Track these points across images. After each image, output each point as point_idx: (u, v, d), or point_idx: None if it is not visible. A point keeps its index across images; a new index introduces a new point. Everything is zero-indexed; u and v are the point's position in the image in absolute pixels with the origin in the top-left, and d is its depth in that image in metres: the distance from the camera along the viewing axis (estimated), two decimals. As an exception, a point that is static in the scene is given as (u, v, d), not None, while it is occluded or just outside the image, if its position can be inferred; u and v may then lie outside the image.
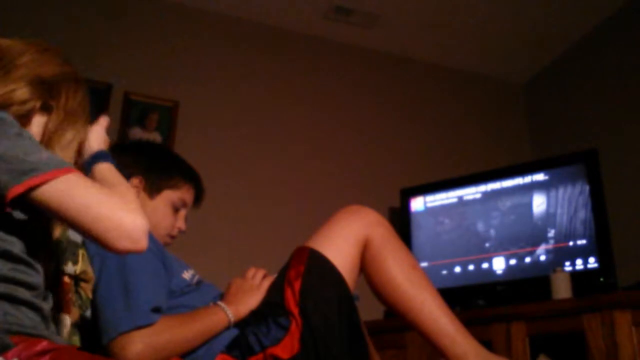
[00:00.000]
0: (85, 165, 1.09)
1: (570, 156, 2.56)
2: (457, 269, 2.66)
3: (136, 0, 3.01)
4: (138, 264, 1.30)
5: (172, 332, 1.24)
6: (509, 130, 3.55)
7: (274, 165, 2.99)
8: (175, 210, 1.54)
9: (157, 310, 1.25)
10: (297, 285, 1.34)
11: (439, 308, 1.38)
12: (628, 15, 2.97)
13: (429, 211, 2.84)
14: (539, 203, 2.56)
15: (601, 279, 2.27)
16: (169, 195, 1.53)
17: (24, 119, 1.03)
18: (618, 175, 2.74)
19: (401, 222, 2.84)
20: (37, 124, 1.06)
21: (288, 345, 1.27)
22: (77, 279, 1.29)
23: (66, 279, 1.26)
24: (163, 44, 2.97)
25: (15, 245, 0.95)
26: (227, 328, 1.33)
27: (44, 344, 0.90)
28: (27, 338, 0.91)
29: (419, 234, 2.81)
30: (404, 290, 1.39)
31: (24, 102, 1.02)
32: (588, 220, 2.39)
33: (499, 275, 2.56)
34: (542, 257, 2.48)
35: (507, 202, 2.64)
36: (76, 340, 1.26)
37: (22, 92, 1.02)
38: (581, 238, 2.40)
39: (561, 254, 2.43)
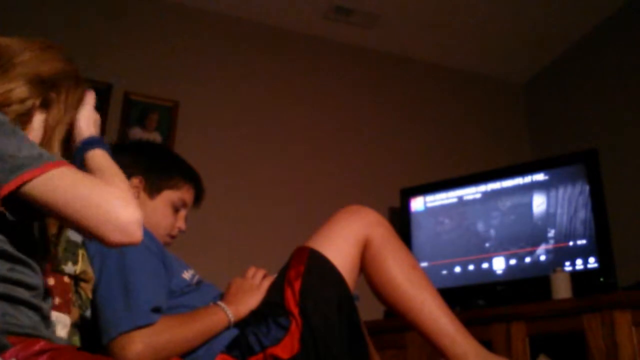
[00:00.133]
0: (76, 152, 1.06)
1: (570, 156, 2.56)
2: (457, 269, 2.66)
3: (136, 0, 3.01)
4: (138, 264, 1.30)
5: (172, 332, 1.24)
6: (509, 130, 3.55)
7: (274, 165, 2.99)
8: (176, 210, 1.54)
9: (157, 310, 1.25)
10: (297, 285, 1.34)
11: (439, 308, 1.38)
12: (628, 15, 2.97)
13: (429, 211, 2.83)
14: (539, 203, 2.56)
15: (601, 279, 2.27)
16: (169, 195, 1.53)
17: (25, 117, 1.03)
18: (618, 175, 2.74)
19: (401, 222, 2.84)
20: (38, 121, 1.05)
21: (288, 345, 1.27)
22: (77, 278, 1.29)
23: (66, 279, 1.26)
24: (163, 44, 2.97)
25: (13, 245, 0.95)
26: (227, 328, 1.33)
27: (42, 344, 0.90)
28: (25, 338, 0.90)
29: (419, 234, 2.81)
30: (404, 290, 1.39)
31: (23, 101, 1.02)
32: (588, 220, 2.39)
33: (499, 275, 2.56)
34: (542, 257, 2.48)
35: (507, 202, 2.64)
36: (76, 340, 1.26)
37: (20, 90, 1.02)
38: (581, 238, 2.40)
39: (561, 254, 2.43)
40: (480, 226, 2.68)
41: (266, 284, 1.42)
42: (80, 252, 1.30)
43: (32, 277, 0.97)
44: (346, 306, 1.36)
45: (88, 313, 1.31)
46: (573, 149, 2.64)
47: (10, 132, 0.93)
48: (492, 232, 2.64)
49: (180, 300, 1.38)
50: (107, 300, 1.26)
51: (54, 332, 1.04)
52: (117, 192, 0.93)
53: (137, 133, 2.79)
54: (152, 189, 1.51)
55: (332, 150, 3.13)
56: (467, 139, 3.41)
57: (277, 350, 1.27)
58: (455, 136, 3.41)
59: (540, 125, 3.51)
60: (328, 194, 2.92)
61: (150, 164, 1.54)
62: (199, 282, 1.49)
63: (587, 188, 2.43)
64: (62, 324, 1.21)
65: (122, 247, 1.30)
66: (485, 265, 2.60)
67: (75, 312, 1.28)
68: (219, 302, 1.36)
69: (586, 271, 2.34)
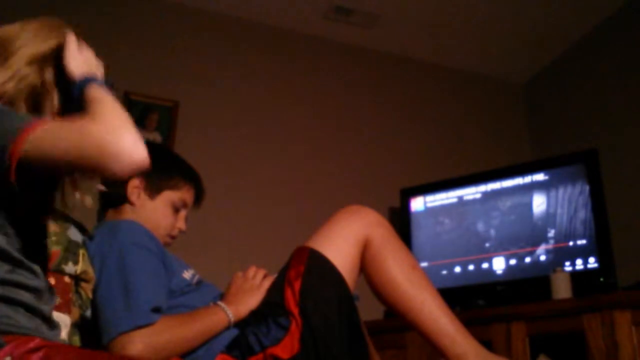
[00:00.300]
0: (74, 97, 1.05)
1: (570, 156, 2.56)
2: (457, 269, 2.66)
3: (136, 0, 3.01)
4: (138, 264, 1.30)
5: (172, 332, 1.24)
6: (509, 130, 3.55)
7: (274, 165, 2.99)
8: (176, 210, 1.54)
9: (157, 310, 1.25)
10: (297, 285, 1.34)
11: (439, 308, 1.38)
12: (628, 15, 2.97)
13: (429, 211, 2.84)
14: (539, 203, 2.56)
15: (601, 279, 2.27)
16: (169, 196, 1.53)
17: (37, 97, 1.03)
18: (618, 175, 2.74)
19: (401, 222, 2.84)
20: (46, 99, 1.05)
21: (288, 345, 1.27)
22: (77, 278, 1.29)
23: (66, 279, 1.26)
24: (163, 44, 2.97)
25: (14, 247, 0.95)
26: (227, 328, 1.33)
27: (37, 341, 0.90)
28: (20, 337, 0.90)
29: (419, 234, 2.81)
30: (404, 290, 1.39)
31: (27, 82, 1.02)
32: (588, 220, 2.40)
33: (499, 275, 2.56)
34: (542, 257, 2.48)
35: (507, 202, 2.64)
36: (76, 340, 1.26)
37: (24, 72, 1.02)
38: (581, 238, 2.40)
39: (561, 254, 2.43)
40: (480, 226, 2.68)
41: (266, 284, 1.42)
42: (81, 251, 1.30)
43: (32, 280, 0.97)
44: (346, 306, 1.36)
45: (88, 313, 1.31)
46: (573, 149, 2.64)
47: (4, 112, 0.94)
48: (492, 232, 2.64)
49: (180, 300, 1.38)
50: (107, 300, 1.26)
51: (57, 334, 1.03)
52: (106, 124, 0.91)
53: (137, 133, 2.78)
54: (153, 189, 1.51)
55: (332, 150, 3.13)
56: (467, 139, 3.42)
57: (277, 350, 1.27)
58: (455, 136, 3.41)
59: (540, 125, 3.51)
60: (328, 194, 2.92)
61: (150, 165, 1.54)
62: (199, 282, 1.49)
63: (587, 188, 2.43)
64: (62, 324, 1.21)
65: (122, 247, 1.31)
66: (485, 265, 2.60)
67: (76, 312, 1.28)
68: (219, 302, 1.37)
69: (586, 271, 2.34)
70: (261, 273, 1.46)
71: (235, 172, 2.90)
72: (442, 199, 2.82)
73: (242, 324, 1.34)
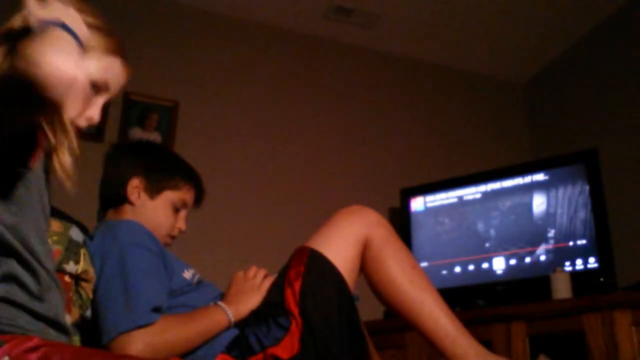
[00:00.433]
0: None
1: (570, 156, 2.56)
2: (457, 269, 2.67)
3: (136, 0, 3.01)
4: (138, 263, 1.30)
5: (172, 331, 1.24)
6: (509, 130, 3.55)
7: (274, 165, 2.99)
8: (176, 210, 1.54)
9: (157, 310, 1.25)
10: (297, 285, 1.34)
11: (440, 308, 1.38)
12: (628, 15, 2.97)
13: (429, 211, 2.84)
14: (539, 203, 2.56)
15: (601, 279, 2.27)
16: (169, 196, 1.53)
17: None
18: (618, 175, 2.74)
19: (401, 222, 2.84)
20: None
21: (288, 345, 1.27)
22: (77, 278, 1.29)
23: (67, 279, 1.26)
24: (163, 44, 2.97)
25: (13, 247, 0.95)
26: (227, 328, 1.33)
27: (35, 341, 0.90)
28: (17, 336, 0.90)
29: (419, 234, 2.81)
30: (404, 291, 1.39)
31: None
32: (588, 220, 2.40)
33: (499, 275, 2.56)
34: (542, 257, 2.48)
35: (507, 202, 2.64)
36: (76, 340, 1.26)
37: None
38: (581, 238, 2.40)
39: (561, 254, 2.43)
40: (480, 226, 2.68)
41: (267, 284, 1.42)
42: (82, 251, 1.30)
43: (32, 279, 0.96)
44: (346, 306, 1.36)
45: (88, 313, 1.31)
46: (573, 149, 2.64)
47: None
48: (492, 232, 2.64)
49: (180, 300, 1.38)
50: (107, 300, 1.26)
51: (58, 336, 1.02)
52: (39, 49, 0.79)
53: (137, 133, 2.79)
54: (153, 189, 1.51)
55: (332, 150, 3.14)
56: (467, 139, 3.42)
57: (277, 350, 1.27)
58: (455, 136, 3.41)
59: (541, 125, 3.51)
60: (328, 194, 2.92)
61: (150, 165, 1.54)
62: (199, 282, 1.49)
63: (587, 188, 2.43)
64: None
65: (122, 247, 1.31)
66: (485, 265, 2.60)
67: (76, 312, 1.28)
68: (219, 302, 1.37)
69: (586, 271, 2.34)
70: (262, 273, 1.46)
71: (235, 172, 2.90)
72: (442, 199, 2.82)
73: (242, 324, 1.34)
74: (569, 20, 3.12)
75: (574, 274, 2.28)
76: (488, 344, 2.01)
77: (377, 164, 3.18)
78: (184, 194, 1.55)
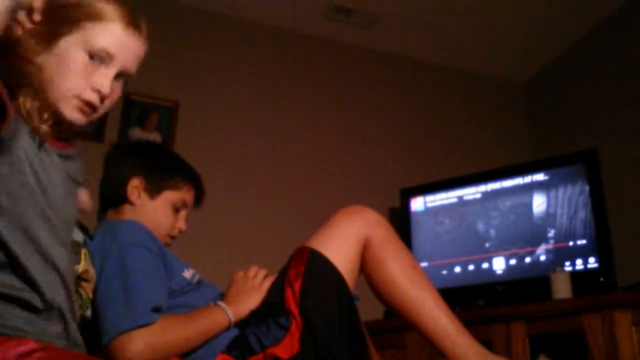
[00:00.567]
0: None
1: (570, 156, 2.56)
2: (457, 269, 2.67)
3: (136, 1, 3.00)
4: (139, 263, 1.30)
5: (172, 331, 1.24)
6: (509, 130, 3.55)
7: (274, 165, 2.99)
8: (176, 210, 1.54)
9: (157, 309, 1.25)
10: (297, 285, 1.34)
11: (440, 308, 1.38)
12: (628, 15, 2.97)
13: (429, 211, 2.84)
14: (539, 203, 2.56)
15: (601, 279, 2.27)
16: (169, 196, 1.52)
17: None
18: (618, 175, 2.74)
19: (401, 222, 2.84)
20: None
21: (288, 345, 1.27)
22: (78, 278, 1.29)
23: (67, 279, 1.26)
24: (163, 43, 2.97)
25: (13, 248, 0.94)
26: (227, 328, 1.33)
27: (30, 345, 0.87)
28: (11, 338, 0.87)
29: (419, 234, 2.81)
30: (404, 291, 1.39)
31: None
32: (588, 220, 2.40)
33: (499, 275, 2.56)
34: (542, 257, 2.48)
35: (507, 202, 2.64)
36: (76, 340, 1.26)
37: None
38: (581, 238, 2.40)
39: (561, 254, 2.43)
40: (480, 226, 2.68)
41: (267, 284, 1.42)
42: (82, 251, 1.30)
43: (32, 279, 0.95)
44: (346, 306, 1.36)
45: (89, 313, 1.31)
46: (573, 149, 2.64)
47: None
48: (492, 232, 2.64)
49: (180, 300, 1.38)
50: (107, 299, 1.26)
51: (59, 336, 1.00)
52: None
53: (137, 133, 2.79)
54: (153, 189, 1.51)
55: (332, 150, 3.14)
56: (467, 139, 3.42)
57: (277, 350, 1.27)
58: (455, 136, 3.41)
59: (541, 125, 3.51)
60: (328, 194, 2.92)
61: (150, 165, 1.54)
62: (199, 282, 1.49)
63: (587, 188, 2.43)
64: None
65: (122, 247, 1.31)
66: (485, 265, 2.60)
67: (76, 312, 1.28)
68: (219, 302, 1.37)
69: (586, 271, 2.34)
70: (262, 273, 1.46)
71: (235, 172, 2.90)
72: (442, 199, 2.82)
73: (242, 324, 1.34)
74: (569, 20, 3.12)
75: (574, 274, 2.28)
76: (488, 344, 2.01)
77: (377, 164, 3.18)
78: (184, 194, 1.55)
